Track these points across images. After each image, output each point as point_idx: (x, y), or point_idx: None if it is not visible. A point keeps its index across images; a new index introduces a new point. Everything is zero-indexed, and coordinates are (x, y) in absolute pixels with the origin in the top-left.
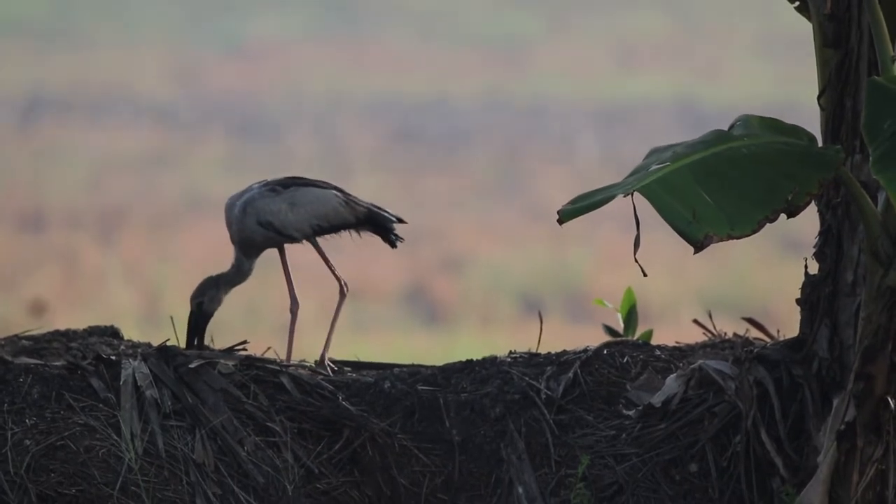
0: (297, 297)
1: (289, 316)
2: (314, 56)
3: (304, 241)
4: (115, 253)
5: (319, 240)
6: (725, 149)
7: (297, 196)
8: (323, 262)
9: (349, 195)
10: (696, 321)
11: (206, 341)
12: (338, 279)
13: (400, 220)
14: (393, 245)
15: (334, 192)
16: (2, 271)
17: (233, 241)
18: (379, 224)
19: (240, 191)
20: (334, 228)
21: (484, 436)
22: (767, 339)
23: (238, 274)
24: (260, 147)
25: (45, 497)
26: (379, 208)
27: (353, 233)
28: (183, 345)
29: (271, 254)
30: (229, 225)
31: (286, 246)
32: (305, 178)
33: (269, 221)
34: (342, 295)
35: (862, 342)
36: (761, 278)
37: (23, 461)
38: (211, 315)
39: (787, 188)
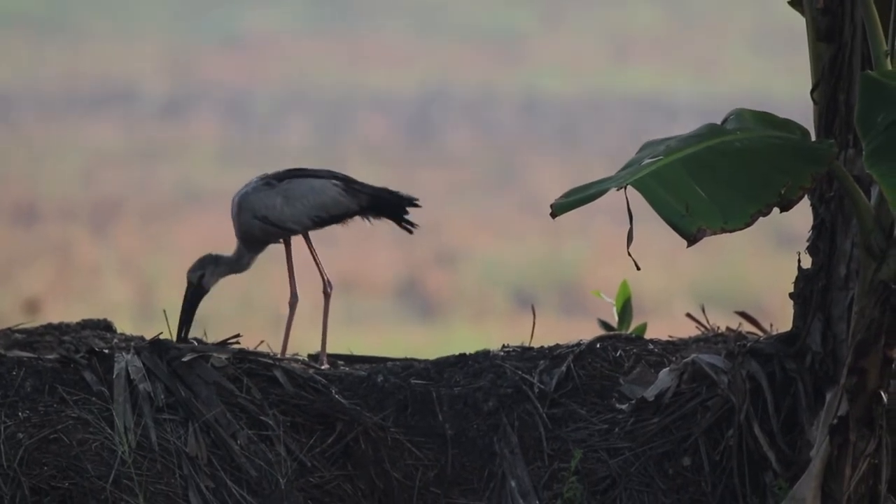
0: (298, 291)
1: (286, 309)
2: (310, 49)
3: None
4: (108, 246)
5: (326, 230)
6: (719, 142)
7: (291, 189)
8: (312, 258)
9: (352, 183)
10: (689, 315)
11: (199, 335)
12: (323, 278)
13: (413, 203)
14: (409, 231)
15: (333, 181)
16: None
17: (237, 236)
18: (386, 208)
19: (244, 186)
20: (336, 218)
21: (477, 429)
22: (760, 333)
23: (237, 262)
24: (255, 140)
25: (38, 490)
26: (390, 192)
27: (365, 220)
28: (176, 338)
29: (271, 246)
30: (233, 220)
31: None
32: (304, 169)
33: (265, 216)
34: (326, 296)
35: (855, 336)
36: (754, 272)
37: (16, 454)
38: (207, 291)
39: (781, 182)
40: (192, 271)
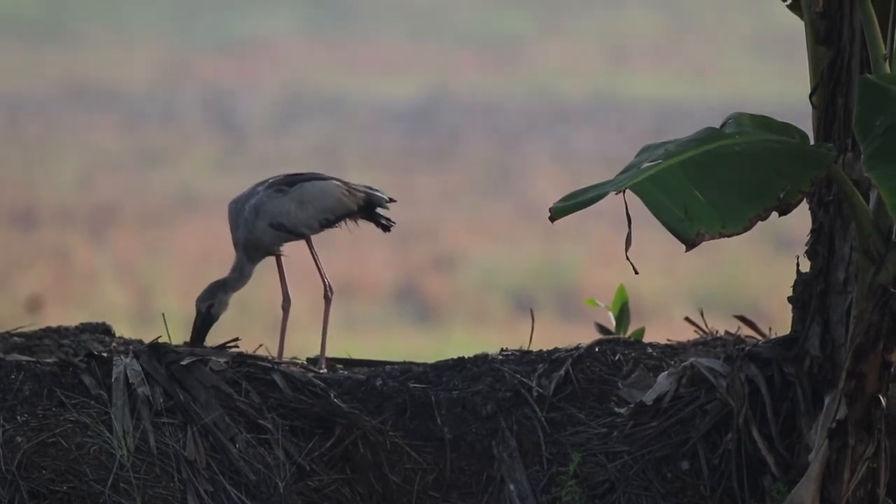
0: (290, 294)
1: (280, 313)
2: (306, 54)
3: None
4: (106, 250)
5: (321, 233)
6: (717, 146)
7: (303, 193)
8: (313, 261)
9: (347, 183)
10: (687, 319)
11: None
12: (324, 282)
13: (391, 200)
14: (386, 229)
15: (336, 182)
16: None
17: (236, 245)
18: (373, 207)
19: (243, 193)
20: (339, 219)
21: (475, 433)
22: (759, 337)
23: (240, 279)
24: (252, 145)
25: (37, 494)
26: (372, 189)
27: (351, 221)
28: (174, 342)
29: None
30: (234, 228)
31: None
32: (305, 173)
33: (281, 223)
34: (327, 300)
35: (853, 340)
36: (753, 276)
37: (14, 458)
38: (217, 319)
39: (779, 186)
40: (200, 301)
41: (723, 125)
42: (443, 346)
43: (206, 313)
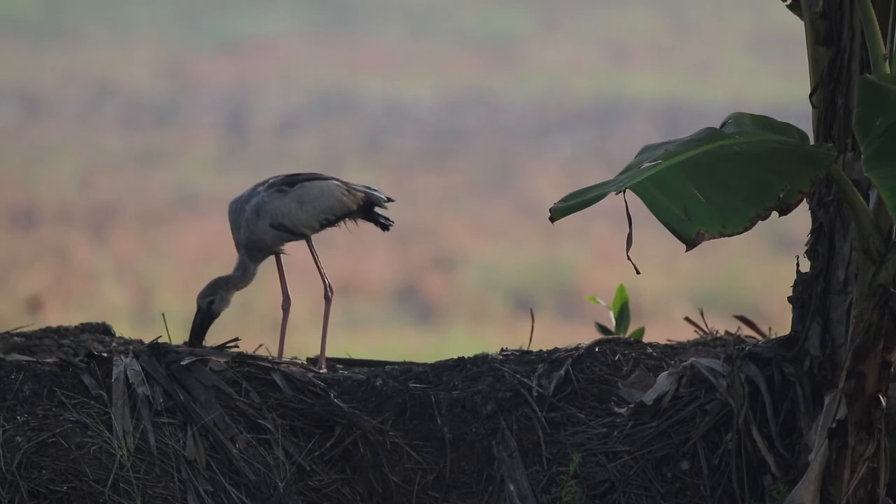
0: (290, 294)
1: (280, 313)
2: (306, 53)
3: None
4: (106, 250)
5: (321, 232)
6: (717, 146)
7: (303, 193)
8: (313, 262)
9: (347, 182)
10: (687, 319)
11: None
12: (324, 282)
13: (389, 199)
14: (386, 228)
15: (336, 182)
16: None
17: (238, 245)
18: (372, 207)
19: (244, 193)
20: (339, 219)
21: (475, 433)
22: (759, 337)
23: (243, 278)
24: (252, 144)
25: (37, 494)
26: (371, 189)
27: (350, 221)
28: (174, 342)
29: None
30: (236, 228)
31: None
32: (305, 173)
33: (282, 223)
34: (327, 300)
35: (853, 340)
36: (753, 276)
37: (14, 458)
38: (217, 315)
39: (779, 186)
40: (202, 296)
41: (723, 125)
42: (443, 346)
43: (207, 310)
